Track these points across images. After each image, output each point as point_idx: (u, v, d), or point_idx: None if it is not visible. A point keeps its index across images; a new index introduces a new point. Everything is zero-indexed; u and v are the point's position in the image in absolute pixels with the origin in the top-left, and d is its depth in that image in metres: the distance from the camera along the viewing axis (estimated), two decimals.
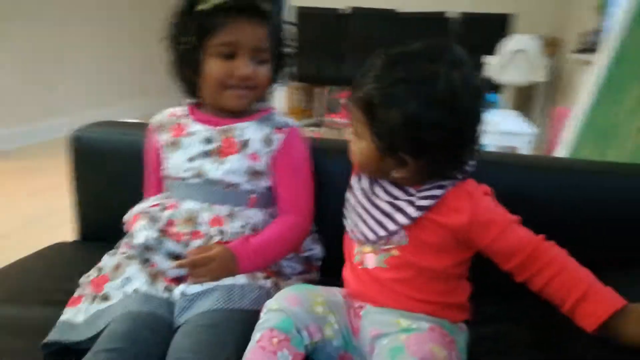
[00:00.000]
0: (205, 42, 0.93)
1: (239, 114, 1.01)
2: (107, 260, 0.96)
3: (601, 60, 1.73)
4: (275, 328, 0.76)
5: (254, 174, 0.98)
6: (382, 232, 0.81)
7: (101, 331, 0.82)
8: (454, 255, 0.81)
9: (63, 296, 0.96)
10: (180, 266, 0.88)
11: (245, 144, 0.98)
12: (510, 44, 3.75)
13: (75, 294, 0.95)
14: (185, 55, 0.96)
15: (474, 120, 0.75)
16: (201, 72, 0.95)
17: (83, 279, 0.97)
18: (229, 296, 0.85)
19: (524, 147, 2.36)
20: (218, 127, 0.99)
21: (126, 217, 1.00)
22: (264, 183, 1.00)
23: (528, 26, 4.33)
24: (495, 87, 3.98)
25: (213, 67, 0.94)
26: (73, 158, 1.27)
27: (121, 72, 4.74)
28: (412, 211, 0.79)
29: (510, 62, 3.78)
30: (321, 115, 4.67)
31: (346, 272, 0.91)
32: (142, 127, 1.26)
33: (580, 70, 3.42)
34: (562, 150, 1.74)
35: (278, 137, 1.00)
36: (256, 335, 0.77)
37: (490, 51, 4.00)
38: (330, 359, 0.83)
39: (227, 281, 0.88)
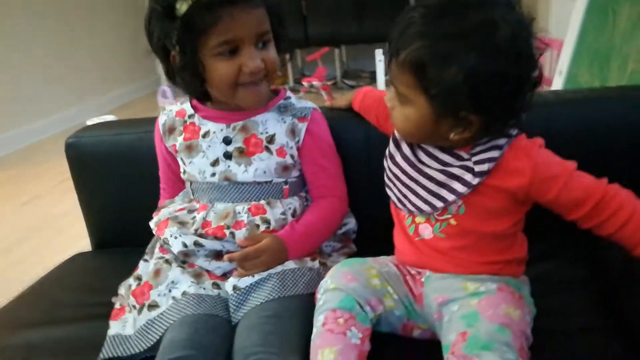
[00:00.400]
0: (199, 45, 0.82)
1: None
2: (144, 267, 0.93)
3: None
4: (338, 308, 0.75)
5: (284, 169, 0.94)
6: (439, 204, 0.77)
7: (157, 340, 0.80)
8: (513, 215, 0.79)
9: (101, 309, 0.95)
10: (231, 259, 0.85)
11: (270, 141, 0.93)
12: None
13: (117, 306, 0.93)
14: (181, 64, 0.85)
15: (533, 64, 0.70)
16: (205, 77, 0.86)
17: (122, 290, 0.94)
18: (283, 283, 0.84)
19: None
20: (233, 124, 0.94)
21: (153, 223, 0.97)
22: (294, 173, 0.97)
23: None
24: None
25: (217, 70, 0.84)
26: (72, 166, 1.21)
27: (81, 68, 4.53)
28: (470, 178, 0.74)
29: None
30: (296, 80, 4.58)
31: (399, 242, 0.88)
32: (136, 124, 1.22)
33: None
34: (558, 81, 1.74)
35: (302, 127, 0.95)
36: (319, 319, 0.76)
37: None
38: (394, 329, 0.82)
39: (278, 268, 0.86)
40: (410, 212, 0.82)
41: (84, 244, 1.28)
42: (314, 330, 0.76)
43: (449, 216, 0.78)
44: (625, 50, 1.45)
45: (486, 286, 0.76)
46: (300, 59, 5.12)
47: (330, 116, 1.05)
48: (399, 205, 0.84)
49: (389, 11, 4.26)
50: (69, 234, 2.14)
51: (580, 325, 0.82)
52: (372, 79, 4.39)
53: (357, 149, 1.06)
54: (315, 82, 3.61)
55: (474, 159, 0.74)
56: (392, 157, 0.85)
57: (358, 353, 0.72)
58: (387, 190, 0.87)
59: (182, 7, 0.79)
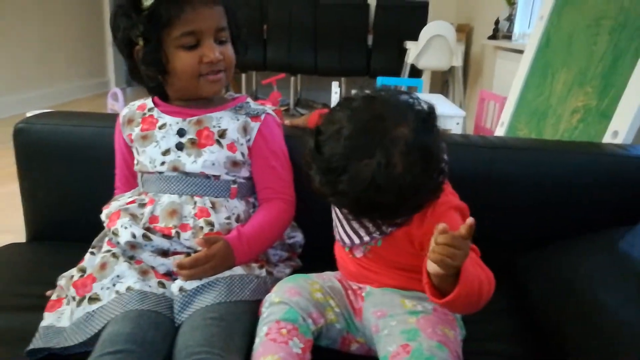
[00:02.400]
0: (163, 36, 0.88)
1: (210, 104, 0.99)
2: (90, 260, 0.91)
3: (529, 47, 1.88)
4: (282, 320, 0.78)
5: (234, 164, 0.97)
6: (357, 241, 0.85)
7: (94, 335, 0.78)
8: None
9: (35, 301, 0.92)
10: (180, 266, 0.85)
11: (222, 134, 0.96)
12: (429, 30, 3.93)
13: (54, 297, 0.90)
14: (145, 57, 0.91)
15: (429, 179, 0.71)
16: (167, 69, 0.92)
17: (63, 281, 0.91)
18: (230, 289, 0.85)
19: (454, 129, 2.50)
20: (189, 118, 0.97)
21: (104, 215, 0.95)
22: (243, 173, 0.99)
23: (438, 14, 4.56)
24: (417, 72, 4.17)
25: (180, 61, 0.90)
26: (18, 153, 1.17)
27: (26, 57, 4.33)
28: (385, 228, 0.81)
29: (429, 47, 3.96)
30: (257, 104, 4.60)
31: (340, 257, 0.93)
32: (96, 118, 1.20)
33: (493, 55, 3.67)
34: (500, 131, 1.88)
35: (254, 126, 0.99)
36: (263, 329, 0.78)
37: (410, 37, 4.17)
38: (333, 342, 0.85)
39: (226, 273, 0.87)
40: (338, 239, 0.90)
41: (10, 238, 1.21)
42: (257, 340, 0.78)
43: (370, 245, 0.85)
44: (559, 110, 1.60)
45: (423, 306, 0.81)
46: (255, 82, 5.17)
47: (289, 133, 1.09)
48: (334, 230, 0.92)
49: (343, 48, 4.44)
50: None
51: (503, 350, 0.90)
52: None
53: None
54: (269, 106, 3.65)
55: None
56: None
57: None
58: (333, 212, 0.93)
59: (147, 1, 0.86)
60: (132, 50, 0.92)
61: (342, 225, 0.88)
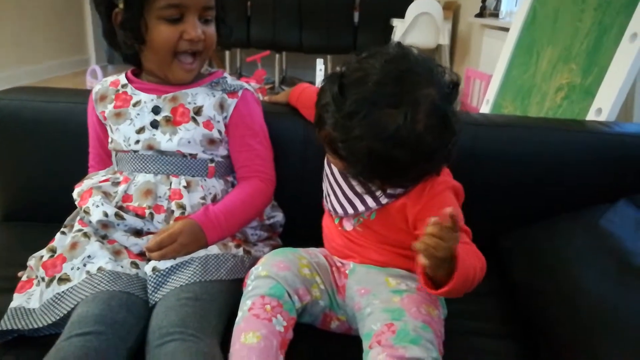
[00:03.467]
0: (147, 4, 0.85)
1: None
2: (61, 240, 0.88)
3: (515, 24, 1.86)
4: (267, 295, 0.76)
5: (210, 142, 0.94)
6: (350, 211, 0.84)
7: (64, 316, 0.76)
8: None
9: (4, 283, 0.89)
10: (149, 250, 0.83)
11: (197, 112, 0.93)
12: (415, 7, 3.88)
13: (24, 278, 0.88)
14: (124, 22, 0.87)
15: (443, 147, 0.71)
16: (145, 39, 0.88)
17: (32, 262, 0.88)
18: (205, 268, 0.83)
19: None
20: (164, 95, 0.93)
21: (75, 193, 0.92)
22: (221, 151, 0.96)
23: None
24: None
25: (160, 33, 0.86)
26: None
27: (2, 34, 4.20)
28: (381, 197, 0.81)
29: (415, 25, 3.91)
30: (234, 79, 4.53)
31: (328, 230, 0.92)
32: (69, 94, 1.16)
33: (479, 33, 3.64)
34: (485, 108, 1.87)
35: (231, 102, 0.96)
36: (247, 303, 0.76)
37: (397, 14, 4.12)
38: (314, 320, 0.84)
39: (201, 253, 0.85)
40: (330, 209, 0.88)
41: None
42: (240, 314, 0.76)
43: (362, 218, 0.84)
44: (544, 88, 1.58)
45: (407, 284, 0.80)
46: (239, 59, 5.08)
47: (269, 110, 1.06)
48: (325, 200, 0.90)
49: (329, 26, 4.38)
50: None
51: (484, 329, 0.89)
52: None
53: (294, 144, 1.08)
54: (253, 83, 3.60)
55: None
56: (329, 163, 0.89)
57: (281, 340, 0.73)
58: (323, 184, 0.90)
59: None
60: (111, 12, 0.88)
61: (335, 194, 0.87)
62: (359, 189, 0.83)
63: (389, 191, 0.80)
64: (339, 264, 0.88)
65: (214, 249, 0.87)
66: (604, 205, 0.98)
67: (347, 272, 0.86)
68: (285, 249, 0.87)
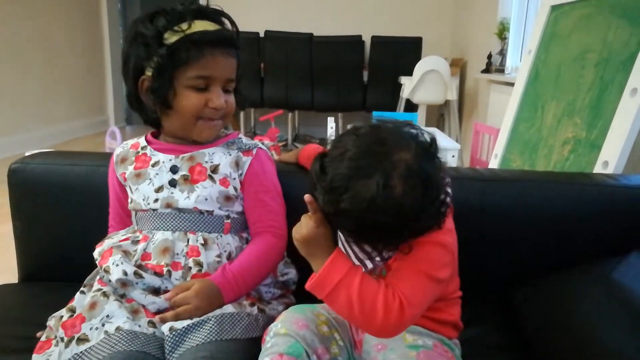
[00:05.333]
0: (177, 74, 0.91)
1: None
2: (80, 299, 0.90)
3: (519, 80, 1.92)
4: (285, 354, 0.77)
5: (227, 199, 0.97)
6: (363, 268, 0.83)
7: None
8: None
9: (24, 343, 0.91)
10: (163, 319, 0.86)
11: (214, 170, 0.97)
12: (423, 65, 4.01)
13: (43, 338, 0.89)
14: (153, 88, 0.93)
15: (430, 204, 0.72)
16: (171, 105, 0.94)
17: (52, 322, 0.90)
18: (221, 327, 0.84)
19: (450, 162, 2.51)
20: (182, 155, 0.98)
21: (97, 253, 0.95)
22: (236, 207, 0.99)
23: (433, 49, 4.66)
24: (412, 106, 4.23)
25: (187, 100, 0.93)
26: (12, 193, 1.17)
27: (27, 97, 4.40)
28: (385, 253, 0.80)
29: (423, 82, 4.03)
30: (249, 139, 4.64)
31: None
32: (92, 157, 1.21)
33: (486, 88, 3.73)
34: (494, 163, 1.90)
35: (246, 160, 1.00)
36: None
37: (405, 72, 4.25)
38: None
39: (216, 312, 0.86)
40: None
41: (4, 279, 1.21)
42: None
43: (375, 274, 0.83)
44: (550, 142, 1.62)
45: (423, 340, 0.80)
46: (253, 118, 5.23)
47: (282, 168, 1.10)
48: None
49: (339, 85, 4.52)
50: None
51: None
52: (322, 145, 4.53)
53: (303, 200, 1.10)
54: (266, 141, 3.67)
55: None
56: None
57: None
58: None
59: (171, 38, 0.90)
60: (138, 78, 0.94)
61: (347, 254, 0.87)
62: (366, 246, 0.85)
63: (385, 254, 0.80)
64: None
65: (229, 308, 0.88)
66: (615, 258, 0.98)
67: None
68: (303, 306, 0.88)
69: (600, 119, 1.41)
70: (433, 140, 0.75)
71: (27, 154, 1.25)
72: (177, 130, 0.99)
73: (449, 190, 0.77)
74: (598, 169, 1.35)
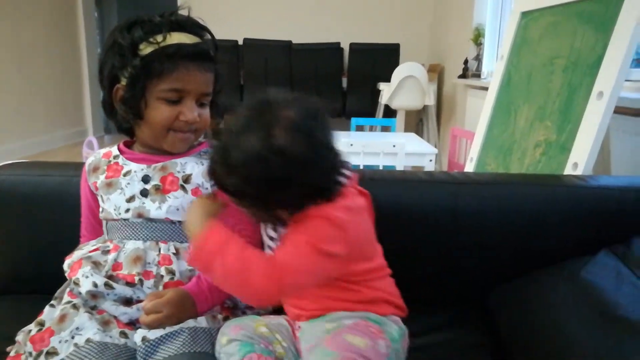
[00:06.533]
0: (150, 85, 0.90)
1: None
2: (49, 313, 0.89)
3: (492, 85, 1.95)
4: (243, 357, 0.78)
5: None
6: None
7: None
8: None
9: None
10: (142, 322, 0.85)
11: (186, 180, 0.96)
12: (401, 71, 4.05)
13: (12, 353, 0.87)
14: (125, 98, 0.92)
15: (317, 158, 0.74)
16: (142, 115, 0.93)
17: (21, 337, 0.88)
18: (194, 339, 0.83)
19: (428, 166, 2.54)
20: (154, 165, 0.97)
21: (66, 265, 0.94)
22: None
23: (410, 55, 4.72)
24: (391, 112, 4.26)
25: (158, 112, 0.91)
26: None
27: (1, 108, 4.33)
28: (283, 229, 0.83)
29: (402, 88, 4.07)
30: None
31: None
32: (64, 167, 1.20)
33: (463, 93, 3.79)
34: (470, 166, 1.93)
35: None
36: None
37: (383, 79, 4.29)
38: None
39: (190, 323, 0.86)
40: None
41: None
42: None
43: None
44: (523, 145, 1.65)
45: (340, 322, 0.81)
46: None
47: None
48: None
49: (318, 91, 4.54)
50: None
51: None
52: None
53: None
54: None
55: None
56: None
57: None
58: None
59: (146, 49, 0.89)
60: (113, 86, 0.93)
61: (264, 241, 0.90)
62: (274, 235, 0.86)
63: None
64: (296, 327, 0.88)
65: (202, 322, 0.87)
66: (584, 257, 1.01)
67: (298, 334, 0.86)
68: (243, 317, 0.90)
69: (569, 122, 1.44)
70: (321, 108, 0.78)
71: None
72: (148, 140, 0.98)
73: (340, 156, 0.78)
74: (568, 170, 1.38)
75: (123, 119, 0.95)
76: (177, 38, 0.90)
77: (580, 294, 0.92)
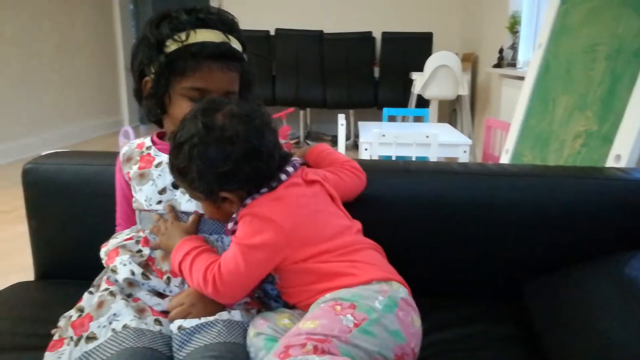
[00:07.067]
0: (174, 82, 0.91)
1: None
2: (88, 299, 0.92)
3: (529, 74, 1.90)
4: (269, 351, 0.78)
5: None
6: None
7: None
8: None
9: (38, 341, 0.92)
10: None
11: None
12: (434, 60, 3.98)
13: (55, 337, 0.90)
14: (151, 91, 0.94)
15: (251, 137, 0.83)
16: (166, 110, 0.94)
17: (62, 322, 0.91)
18: (229, 330, 0.84)
19: (462, 157, 2.50)
20: None
21: (102, 253, 0.97)
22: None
23: (444, 44, 4.63)
24: (424, 102, 4.21)
25: (181, 108, 0.91)
26: (27, 192, 1.20)
27: (43, 99, 4.47)
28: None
29: (434, 78, 4.01)
30: None
31: None
32: (100, 157, 1.23)
33: (498, 82, 3.70)
34: (505, 158, 1.88)
35: None
36: None
37: (416, 68, 4.23)
38: None
39: (224, 315, 0.87)
40: None
41: (22, 276, 1.24)
42: None
43: None
44: (562, 136, 1.60)
45: (311, 314, 0.81)
46: None
47: None
48: None
49: (350, 82, 4.52)
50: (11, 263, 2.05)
51: None
52: (334, 142, 4.54)
53: None
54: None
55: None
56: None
57: None
58: None
59: (171, 46, 0.90)
60: (142, 79, 0.95)
61: None
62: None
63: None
64: None
65: (236, 315, 0.88)
66: (628, 253, 0.97)
67: None
68: (270, 311, 0.91)
69: (612, 112, 1.39)
70: (262, 108, 0.88)
71: (42, 154, 1.27)
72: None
73: (281, 148, 0.89)
74: (610, 162, 1.34)
75: (149, 111, 0.97)
76: (203, 36, 0.90)
77: (622, 291, 0.88)
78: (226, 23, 0.94)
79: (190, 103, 0.91)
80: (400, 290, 0.84)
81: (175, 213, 0.95)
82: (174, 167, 0.86)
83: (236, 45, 0.94)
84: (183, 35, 0.89)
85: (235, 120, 0.82)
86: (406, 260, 0.93)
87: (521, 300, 1.08)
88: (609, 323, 0.84)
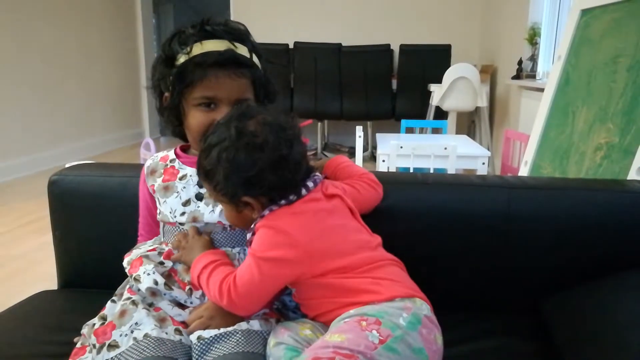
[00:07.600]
0: (185, 93, 0.94)
1: None
2: (111, 308, 0.93)
3: (549, 86, 1.89)
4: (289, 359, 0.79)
5: None
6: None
7: None
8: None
9: (61, 348, 0.94)
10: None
11: None
12: (452, 72, 3.98)
13: (78, 345, 0.92)
14: (168, 106, 0.98)
15: (281, 149, 0.84)
16: (182, 121, 0.98)
17: (86, 330, 0.93)
18: (248, 340, 0.85)
19: (480, 169, 2.48)
20: None
21: (125, 262, 0.98)
22: None
23: (462, 56, 4.62)
24: (442, 114, 4.19)
25: (194, 119, 0.95)
26: (52, 203, 1.23)
27: (66, 111, 4.58)
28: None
29: (453, 89, 4.00)
30: None
31: None
32: (125, 169, 1.26)
33: (517, 94, 3.67)
34: (524, 170, 1.87)
35: None
36: None
37: (434, 80, 4.22)
38: None
39: (243, 326, 0.88)
40: None
41: (46, 285, 1.27)
42: None
43: None
44: (582, 148, 1.58)
45: (337, 327, 0.81)
46: None
47: None
48: None
49: (368, 94, 4.52)
50: (22, 278, 2.09)
51: None
52: (351, 153, 4.55)
53: None
54: None
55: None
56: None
57: None
58: None
59: (180, 59, 0.93)
60: (162, 95, 0.99)
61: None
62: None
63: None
64: None
65: (255, 325, 0.89)
66: None
67: None
68: (291, 321, 0.91)
69: (634, 124, 1.37)
70: (294, 119, 0.89)
71: (67, 165, 1.31)
72: (193, 145, 1.02)
73: (308, 160, 0.90)
74: (632, 175, 1.32)
75: (170, 124, 1.01)
76: (210, 46, 0.92)
77: None
78: (233, 32, 0.95)
79: (203, 113, 0.94)
80: (424, 307, 0.84)
81: (197, 228, 0.97)
82: (201, 168, 0.88)
83: (244, 52, 0.95)
84: (189, 48, 0.92)
85: (267, 129, 0.84)
86: (423, 273, 0.93)
87: (538, 314, 1.07)
88: (630, 336, 0.82)
